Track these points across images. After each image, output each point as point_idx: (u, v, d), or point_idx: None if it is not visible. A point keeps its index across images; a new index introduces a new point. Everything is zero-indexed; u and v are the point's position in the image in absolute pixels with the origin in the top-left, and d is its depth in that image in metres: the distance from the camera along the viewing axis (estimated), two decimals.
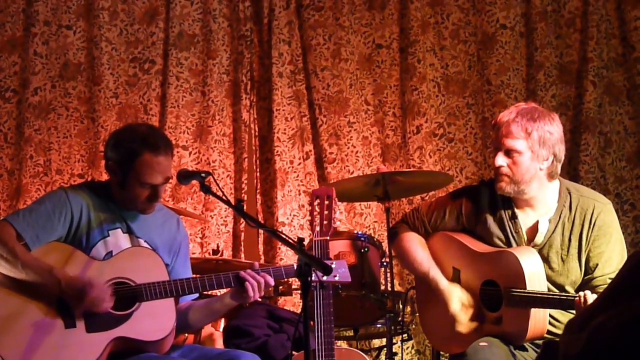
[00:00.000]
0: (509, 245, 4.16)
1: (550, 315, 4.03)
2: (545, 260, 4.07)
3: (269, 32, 6.98)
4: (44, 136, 6.71)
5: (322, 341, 4.06)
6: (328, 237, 4.17)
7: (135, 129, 4.10)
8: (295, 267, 3.72)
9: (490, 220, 4.22)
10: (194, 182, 3.90)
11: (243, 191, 6.85)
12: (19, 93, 6.74)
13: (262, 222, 6.70)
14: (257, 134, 7.00)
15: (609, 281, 3.96)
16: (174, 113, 6.83)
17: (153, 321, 3.84)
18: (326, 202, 4.24)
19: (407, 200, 6.70)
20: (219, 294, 4.90)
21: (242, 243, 6.81)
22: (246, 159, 6.89)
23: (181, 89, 6.87)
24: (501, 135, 4.06)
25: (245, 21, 6.99)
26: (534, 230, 4.14)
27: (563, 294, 4.02)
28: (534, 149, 4.02)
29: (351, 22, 6.99)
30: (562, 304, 3.94)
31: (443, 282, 4.27)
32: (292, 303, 6.55)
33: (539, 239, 4.11)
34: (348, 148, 6.90)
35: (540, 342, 4.06)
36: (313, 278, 3.46)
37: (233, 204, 3.75)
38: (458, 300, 4.20)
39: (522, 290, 3.96)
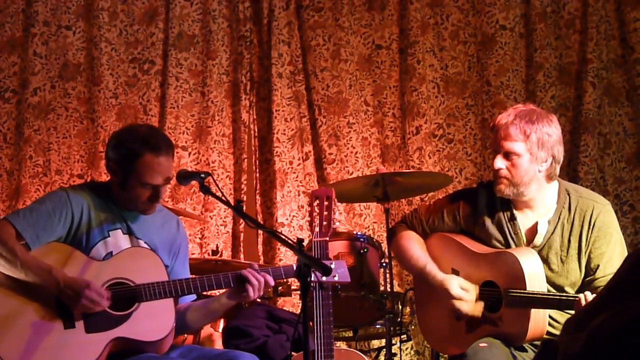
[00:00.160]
0: (508, 247, 4.16)
1: (550, 316, 4.03)
2: (545, 261, 4.07)
3: (269, 33, 6.98)
4: (43, 136, 6.71)
5: (322, 342, 4.06)
6: (327, 238, 4.17)
7: (136, 130, 4.11)
8: (294, 267, 3.72)
9: (488, 222, 4.22)
10: (194, 182, 3.90)
11: (242, 192, 6.85)
12: (18, 93, 6.74)
13: (262, 222, 6.70)
14: (256, 134, 7.00)
15: None
16: (174, 113, 6.83)
17: (152, 322, 3.84)
18: (325, 203, 4.24)
19: (407, 201, 6.70)
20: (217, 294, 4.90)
21: (242, 244, 6.81)
22: (246, 160, 6.89)
23: (181, 90, 6.87)
24: (500, 138, 4.06)
25: (245, 22, 7.00)
26: (533, 231, 4.14)
27: (563, 294, 4.02)
28: (533, 151, 4.02)
29: (351, 22, 7.00)
30: (562, 304, 3.95)
31: (439, 275, 4.25)
32: (292, 304, 6.55)
33: (538, 240, 4.11)
34: (347, 149, 6.90)
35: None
36: (312, 279, 3.46)
37: (232, 204, 3.75)
38: (458, 285, 4.18)
39: (522, 291, 3.96)
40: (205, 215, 6.75)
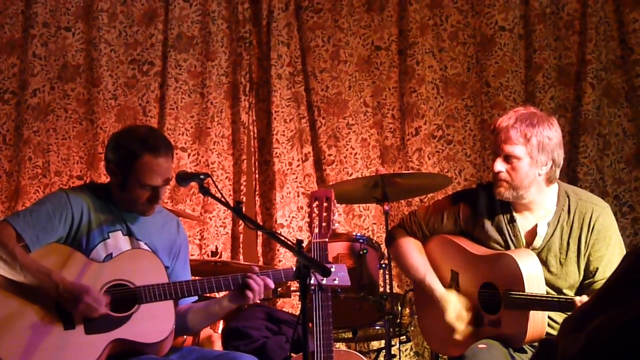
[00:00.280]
0: (507, 249, 4.16)
1: (549, 317, 4.03)
2: (544, 263, 4.07)
3: (268, 34, 6.98)
4: (42, 138, 6.71)
5: (321, 343, 4.06)
6: (327, 239, 4.17)
7: (135, 131, 4.11)
8: (294, 269, 3.72)
9: (488, 224, 4.22)
10: (193, 184, 3.90)
11: (242, 193, 6.85)
12: (17, 95, 6.75)
13: (261, 223, 6.70)
14: (256, 135, 7.01)
15: None
16: (173, 115, 6.84)
17: (152, 323, 3.84)
18: (325, 204, 4.24)
19: (406, 202, 6.70)
20: (217, 296, 4.90)
21: (241, 245, 6.81)
22: (245, 161, 6.89)
23: (180, 91, 6.87)
24: (500, 141, 4.06)
25: (244, 23, 7.00)
26: (532, 234, 4.14)
27: (562, 296, 4.02)
28: (533, 154, 4.01)
29: (350, 24, 7.00)
30: (560, 306, 3.94)
31: (439, 290, 4.26)
32: (291, 305, 6.56)
33: (538, 242, 4.11)
34: (347, 150, 6.90)
35: None
36: (312, 281, 3.46)
37: (232, 205, 3.74)
38: (453, 310, 4.20)
39: (521, 293, 3.96)
40: (204, 217, 6.75)
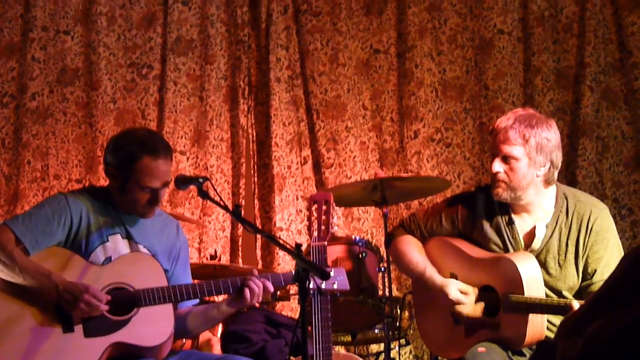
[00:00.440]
0: (506, 250, 4.16)
1: (548, 320, 4.03)
2: (543, 265, 4.07)
3: (267, 37, 6.99)
4: (41, 141, 6.71)
5: (320, 346, 4.05)
6: (326, 243, 4.16)
7: (134, 133, 4.11)
8: (293, 273, 3.72)
9: (487, 226, 4.22)
10: (192, 187, 3.91)
11: (241, 196, 6.85)
12: (16, 98, 6.75)
13: (260, 227, 6.70)
14: (254, 139, 7.01)
15: None
16: (172, 118, 6.84)
17: (151, 326, 3.83)
18: (324, 207, 4.23)
19: (405, 205, 6.70)
20: (217, 299, 4.91)
21: (240, 248, 6.81)
22: (244, 164, 6.90)
23: (179, 94, 6.87)
24: (498, 142, 4.06)
25: (243, 26, 7.00)
26: (531, 235, 4.14)
27: (561, 299, 4.02)
28: (531, 155, 4.02)
29: (349, 27, 7.00)
30: (560, 309, 3.94)
31: (438, 279, 4.26)
32: (290, 308, 6.55)
33: (536, 244, 4.11)
34: (346, 153, 6.90)
35: None
36: (311, 284, 3.46)
37: (231, 209, 3.74)
38: (456, 289, 4.19)
39: (520, 296, 3.96)
40: (203, 220, 6.75)
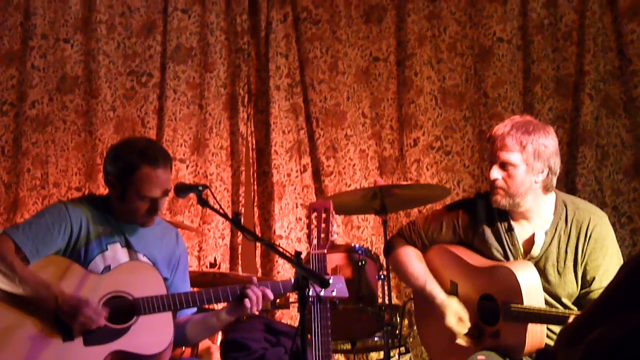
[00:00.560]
0: (507, 257, 4.15)
1: (548, 328, 4.02)
2: (542, 272, 4.06)
3: (266, 45, 6.99)
4: (41, 149, 6.72)
5: (320, 354, 4.05)
6: (325, 250, 4.17)
7: (133, 143, 4.12)
8: (292, 281, 3.72)
9: (487, 232, 4.21)
10: (191, 195, 3.90)
11: (240, 204, 6.85)
12: (16, 106, 6.75)
13: (260, 235, 6.70)
14: (254, 146, 7.01)
15: None
16: (172, 126, 6.84)
17: (151, 335, 3.83)
18: (323, 215, 4.24)
19: (405, 213, 6.70)
20: (216, 307, 4.90)
21: (240, 256, 6.81)
22: (243, 172, 6.90)
23: (178, 102, 6.87)
24: (496, 149, 4.06)
25: (243, 34, 7.00)
26: (530, 242, 4.14)
27: (560, 310, 4.01)
28: (529, 162, 4.02)
29: (348, 35, 7.01)
30: (559, 319, 3.94)
31: (440, 296, 4.26)
32: (290, 316, 6.55)
33: (536, 251, 4.11)
34: (345, 161, 6.90)
35: None
36: (310, 292, 3.46)
37: (230, 217, 3.74)
38: (454, 315, 4.20)
39: (520, 306, 3.96)
40: (203, 228, 6.75)
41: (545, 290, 4.05)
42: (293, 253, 3.48)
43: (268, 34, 7.00)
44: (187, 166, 6.83)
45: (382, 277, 5.57)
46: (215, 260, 6.10)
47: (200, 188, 3.79)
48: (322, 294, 3.89)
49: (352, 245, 5.76)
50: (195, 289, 4.04)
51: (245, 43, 7.01)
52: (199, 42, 6.96)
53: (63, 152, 6.75)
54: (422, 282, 4.32)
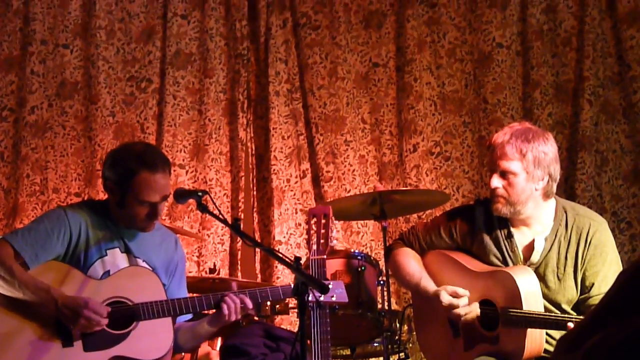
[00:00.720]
0: (506, 264, 4.15)
1: (547, 334, 4.02)
2: (542, 278, 4.07)
3: (266, 51, 6.99)
4: (40, 155, 6.72)
5: None
6: (325, 256, 4.17)
7: (131, 148, 4.12)
8: (292, 286, 3.72)
9: (486, 239, 4.21)
10: (191, 201, 3.90)
11: (240, 210, 6.85)
12: (15, 112, 6.75)
13: (259, 240, 6.69)
14: (253, 152, 7.00)
15: None
16: (171, 132, 6.84)
17: (150, 340, 3.84)
18: (323, 221, 4.24)
19: (404, 218, 6.69)
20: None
21: (239, 262, 6.80)
22: (243, 178, 6.89)
23: (178, 108, 6.87)
24: (496, 157, 4.06)
25: (242, 40, 7.00)
26: (530, 248, 4.14)
27: (559, 315, 4.01)
28: (529, 169, 4.02)
29: (348, 40, 7.00)
30: (558, 324, 3.93)
31: (432, 288, 4.24)
32: (289, 322, 6.54)
33: (535, 257, 4.11)
34: (345, 166, 6.90)
35: None
36: (310, 298, 3.46)
37: (230, 222, 3.74)
38: (447, 293, 4.16)
39: (519, 311, 3.96)
40: (202, 234, 6.74)
41: (545, 296, 4.05)
42: (292, 258, 3.47)
43: (267, 39, 7.00)
44: (187, 172, 6.83)
45: (381, 282, 5.56)
46: (214, 266, 6.08)
47: (200, 194, 3.79)
48: (321, 299, 3.89)
49: (352, 250, 5.76)
50: (195, 295, 4.04)
51: (245, 49, 7.01)
52: (198, 48, 6.96)
53: (62, 158, 6.74)
54: (417, 279, 4.31)
